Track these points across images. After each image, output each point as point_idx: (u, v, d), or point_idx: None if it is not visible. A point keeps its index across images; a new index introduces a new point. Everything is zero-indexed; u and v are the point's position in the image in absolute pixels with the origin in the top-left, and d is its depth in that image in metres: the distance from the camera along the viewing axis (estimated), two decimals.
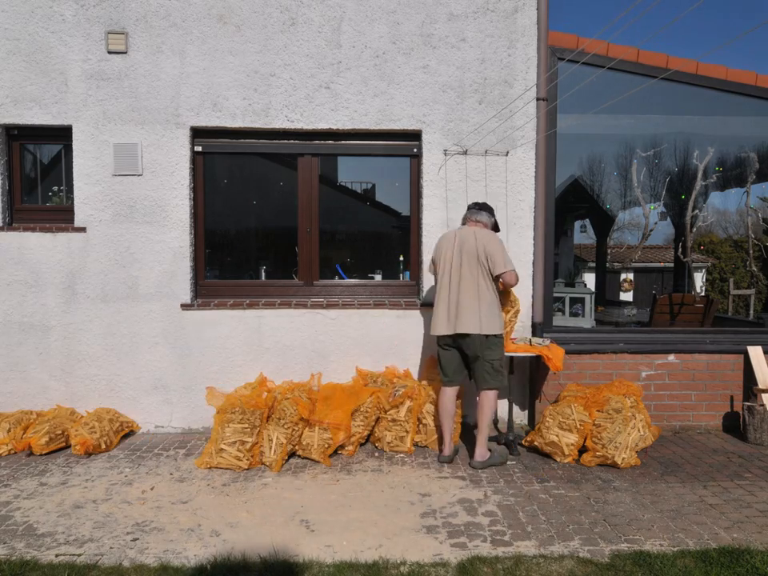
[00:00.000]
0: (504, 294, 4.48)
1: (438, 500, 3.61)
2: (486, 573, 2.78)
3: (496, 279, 4.19)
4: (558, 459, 4.26)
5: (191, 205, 5.01)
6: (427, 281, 5.08)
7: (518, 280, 4.22)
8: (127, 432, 4.84)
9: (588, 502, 3.58)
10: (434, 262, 4.39)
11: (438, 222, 5.07)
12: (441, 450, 4.39)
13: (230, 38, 4.92)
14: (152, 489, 3.78)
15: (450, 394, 4.35)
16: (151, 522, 3.32)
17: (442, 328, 4.22)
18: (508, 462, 4.29)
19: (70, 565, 2.83)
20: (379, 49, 4.98)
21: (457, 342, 4.23)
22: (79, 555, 2.93)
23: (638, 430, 4.60)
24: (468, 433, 4.96)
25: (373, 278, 5.45)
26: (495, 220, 4.44)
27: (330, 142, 5.16)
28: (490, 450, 4.29)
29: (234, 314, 5.00)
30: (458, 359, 4.32)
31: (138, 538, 3.12)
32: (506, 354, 4.53)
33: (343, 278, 5.38)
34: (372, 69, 4.98)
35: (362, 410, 4.49)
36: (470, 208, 4.40)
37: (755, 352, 5.00)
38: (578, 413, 4.29)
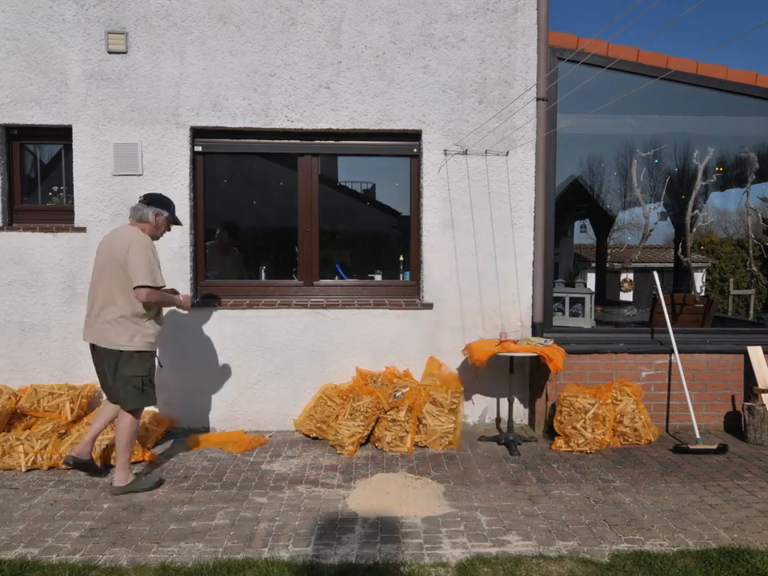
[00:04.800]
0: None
1: (438, 500, 3.60)
2: (486, 573, 2.78)
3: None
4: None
5: (191, 205, 5.01)
6: (427, 281, 5.08)
7: (153, 299, 3.65)
8: None
9: (588, 502, 3.58)
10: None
11: (438, 222, 5.07)
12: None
13: (230, 38, 4.91)
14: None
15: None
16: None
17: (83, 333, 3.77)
18: (508, 464, 4.28)
19: (70, 565, 2.83)
20: (379, 49, 4.98)
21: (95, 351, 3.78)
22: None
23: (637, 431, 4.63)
24: (470, 434, 4.96)
25: (373, 278, 5.45)
26: (168, 216, 3.92)
27: (330, 141, 5.15)
28: (136, 474, 3.84)
29: (234, 314, 5.00)
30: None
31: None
32: (506, 354, 4.53)
33: (343, 278, 5.38)
34: (372, 69, 4.98)
35: (361, 409, 4.50)
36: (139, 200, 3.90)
37: (755, 352, 5.00)
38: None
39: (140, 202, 3.88)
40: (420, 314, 5.08)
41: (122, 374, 3.68)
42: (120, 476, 3.72)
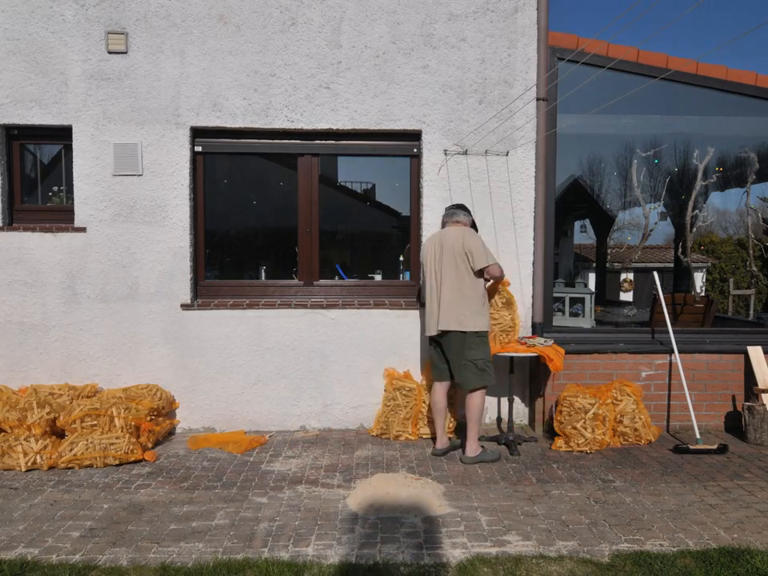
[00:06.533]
0: (494, 291, 4.71)
1: (438, 500, 3.60)
2: (486, 573, 2.78)
3: (480, 274, 4.25)
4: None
5: (191, 205, 5.01)
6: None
7: (502, 272, 4.33)
8: None
9: (588, 502, 3.58)
10: (422, 266, 4.54)
11: (438, 222, 5.06)
12: (434, 444, 4.49)
13: (230, 38, 4.91)
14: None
15: (440, 390, 4.43)
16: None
17: (431, 329, 4.34)
18: (508, 464, 4.28)
19: (70, 565, 2.83)
20: (379, 49, 4.98)
21: (438, 339, 4.33)
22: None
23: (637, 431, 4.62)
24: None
25: (373, 278, 5.45)
26: (473, 219, 4.55)
27: (330, 141, 5.15)
28: (482, 447, 4.37)
29: (234, 314, 5.00)
30: (441, 356, 4.39)
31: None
32: (506, 354, 4.54)
33: (343, 278, 5.38)
34: (372, 69, 4.98)
35: None
36: (446, 210, 4.53)
37: (755, 352, 5.00)
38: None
39: (452, 208, 4.48)
40: (420, 314, 5.07)
41: (469, 357, 4.21)
42: (471, 447, 4.26)
